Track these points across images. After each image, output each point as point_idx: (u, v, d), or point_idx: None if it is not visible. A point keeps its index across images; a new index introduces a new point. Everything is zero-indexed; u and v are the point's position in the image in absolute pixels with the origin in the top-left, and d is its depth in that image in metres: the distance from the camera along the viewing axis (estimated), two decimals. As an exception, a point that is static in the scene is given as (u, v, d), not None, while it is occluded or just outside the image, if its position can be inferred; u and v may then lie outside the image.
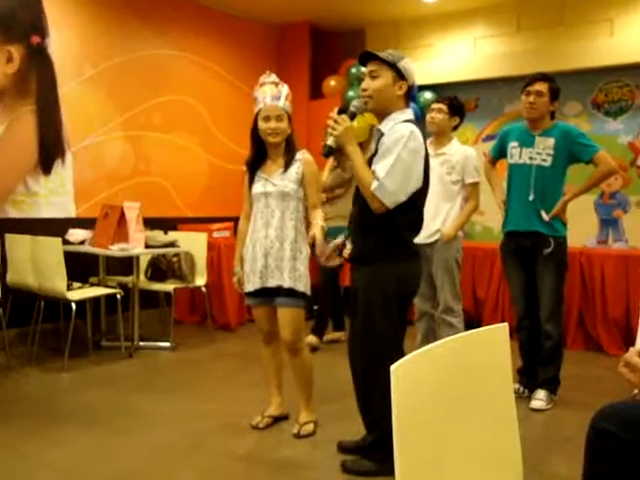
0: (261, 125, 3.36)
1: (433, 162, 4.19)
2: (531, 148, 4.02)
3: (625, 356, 1.54)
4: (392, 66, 2.91)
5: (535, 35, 6.65)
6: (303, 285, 3.35)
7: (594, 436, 1.69)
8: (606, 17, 6.25)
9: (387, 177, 2.78)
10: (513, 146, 4.13)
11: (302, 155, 3.41)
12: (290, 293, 3.33)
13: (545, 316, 4.03)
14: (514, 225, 4.11)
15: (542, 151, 3.98)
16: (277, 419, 3.66)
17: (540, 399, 4.02)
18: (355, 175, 2.93)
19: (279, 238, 3.34)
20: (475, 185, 4.45)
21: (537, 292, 4.06)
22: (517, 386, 4.18)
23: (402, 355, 2.79)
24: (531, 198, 3.99)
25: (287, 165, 3.37)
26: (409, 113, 2.96)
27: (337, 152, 3.04)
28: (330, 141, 2.92)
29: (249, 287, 3.45)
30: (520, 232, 4.07)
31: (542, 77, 4.05)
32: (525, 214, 4.03)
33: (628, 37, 6.13)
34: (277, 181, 3.36)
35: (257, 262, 3.37)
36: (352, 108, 2.96)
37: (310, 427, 3.52)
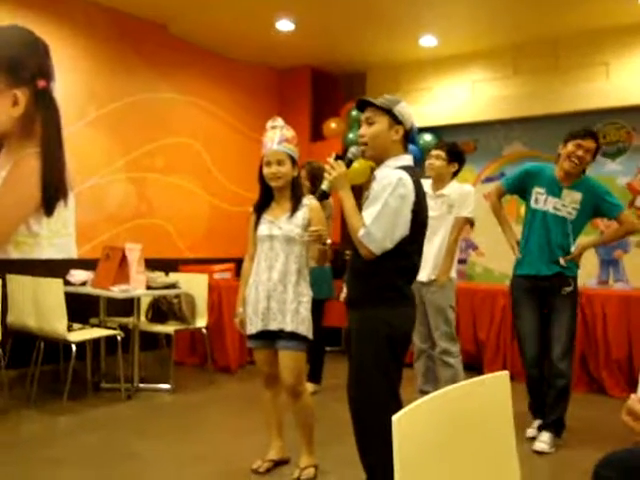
0: (264, 170, 3.40)
1: (433, 204, 4.25)
2: (557, 198, 4.09)
3: (627, 404, 1.54)
4: (388, 112, 2.94)
5: (532, 78, 6.75)
6: (305, 329, 3.35)
7: (597, 483, 1.68)
8: (602, 61, 6.36)
9: (373, 224, 2.79)
10: (539, 192, 4.16)
11: (309, 201, 3.43)
12: (292, 337, 3.33)
13: (560, 354, 4.03)
14: (534, 270, 4.13)
15: (568, 205, 4.08)
16: (278, 463, 3.62)
17: (544, 442, 3.99)
18: (346, 221, 2.95)
19: (282, 281, 3.35)
20: (465, 220, 4.48)
21: (550, 331, 4.09)
22: (539, 422, 4.17)
23: (397, 400, 2.79)
24: (557, 250, 4.07)
25: (294, 209, 3.40)
26: (406, 159, 2.96)
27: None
28: (325, 185, 2.98)
29: (251, 329, 3.45)
30: (539, 275, 4.12)
31: (594, 134, 4.10)
32: (546, 260, 4.09)
33: (624, 80, 6.23)
34: (283, 225, 3.38)
35: (259, 304, 3.38)
36: (349, 155, 3.00)
37: (311, 472, 3.48)
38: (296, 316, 3.33)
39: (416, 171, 2.98)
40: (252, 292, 3.43)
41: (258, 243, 3.47)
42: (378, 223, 2.79)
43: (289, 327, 3.32)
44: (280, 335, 3.35)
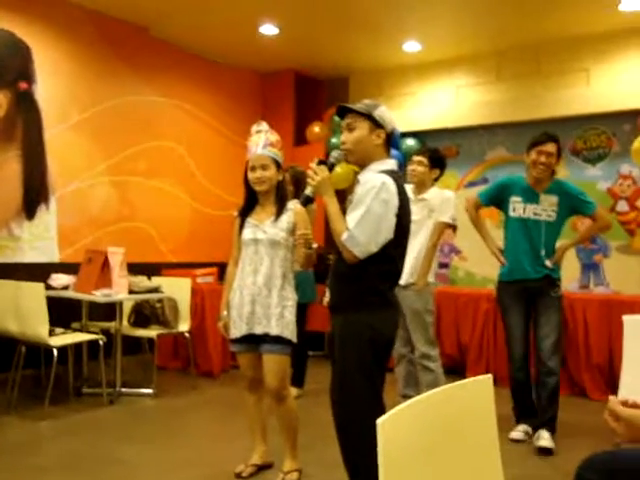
0: (248, 174, 3.41)
1: (414, 207, 4.27)
2: (535, 204, 4.27)
3: (609, 405, 1.56)
4: (368, 116, 2.95)
5: (514, 84, 6.81)
6: (290, 332, 3.35)
7: (579, 486, 1.69)
8: (582, 67, 6.43)
9: (357, 228, 2.79)
10: (516, 201, 4.32)
11: (294, 205, 3.44)
12: (277, 340, 3.33)
13: (550, 353, 4.16)
14: (522, 275, 4.27)
15: (547, 208, 4.25)
16: (261, 468, 3.61)
17: (547, 439, 4.08)
18: (330, 225, 2.95)
19: (267, 285, 3.35)
20: (444, 225, 4.52)
21: (538, 331, 4.22)
22: (525, 429, 4.27)
23: (380, 404, 2.79)
24: (542, 253, 4.23)
25: (278, 213, 3.40)
26: (390, 163, 2.97)
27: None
28: (308, 191, 2.98)
29: (235, 333, 3.44)
30: (528, 279, 4.25)
31: (552, 138, 4.25)
32: (533, 265, 4.24)
33: (604, 86, 6.30)
34: (268, 229, 3.38)
35: (244, 308, 3.37)
36: (331, 159, 3.00)
37: (294, 476, 3.47)
38: (281, 320, 3.32)
39: (400, 175, 2.99)
40: (236, 296, 3.43)
41: (242, 247, 3.47)
42: (361, 227, 2.80)
43: (274, 331, 3.32)
44: (264, 339, 3.35)
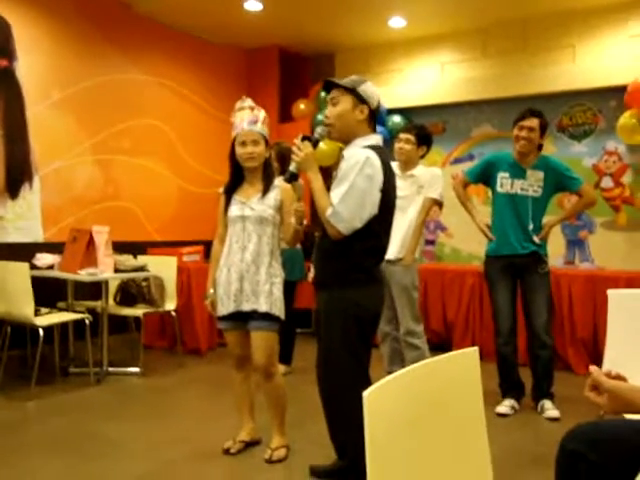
0: (238, 150, 3.38)
1: (403, 183, 4.28)
2: (522, 180, 4.33)
3: (592, 376, 1.56)
4: (352, 91, 2.93)
5: (500, 61, 6.78)
6: (278, 309, 3.36)
7: (564, 457, 1.71)
8: (568, 43, 6.41)
9: (341, 204, 2.80)
10: (503, 177, 4.38)
11: (281, 181, 3.43)
12: (265, 317, 3.33)
13: (543, 326, 4.29)
14: (510, 250, 4.34)
15: (534, 183, 4.32)
16: (249, 444, 3.63)
17: (552, 408, 4.25)
18: (314, 201, 2.95)
19: (255, 262, 3.34)
20: (433, 202, 4.53)
21: (530, 307, 4.33)
22: (511, 403, 4.34)
23: (366, 379, 2.80)
24: (531, 227, 4.30)
25: (265, 190, 3.39)
26: (374, 138, 2.96)
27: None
28: (292, 167, 2.99)
29: (222, 310, 3.43)
30: (515, 254, 4.32)
31: (533, 113, 4.31)
32: (521, 240, 4.31)
33: (590, 63, 6.29)
34: (255, 206, 3.37)
35: (232, 285, 3.36)
36: (316, 135, 3.00)
37: (282, 452, 3.49)
38: (269, 297, 3.33)
39: (385, 151, 2.98)
40: (223, 273, 3.42)
41: (229, 224, 3.46)
42: (345, 203, 2.79)
43: (263, 308, 3.32)
44: (253, 316, 3.35)
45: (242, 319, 3.39)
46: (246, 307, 3.35)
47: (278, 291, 3.37)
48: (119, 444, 3.73)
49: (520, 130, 4.28)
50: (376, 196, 2.81)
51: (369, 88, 2.96)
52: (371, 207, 2.81)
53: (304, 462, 3.35)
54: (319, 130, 3.00)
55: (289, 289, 4.32)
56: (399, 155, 4.54)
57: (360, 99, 2.93)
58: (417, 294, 4.56)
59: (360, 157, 2.80)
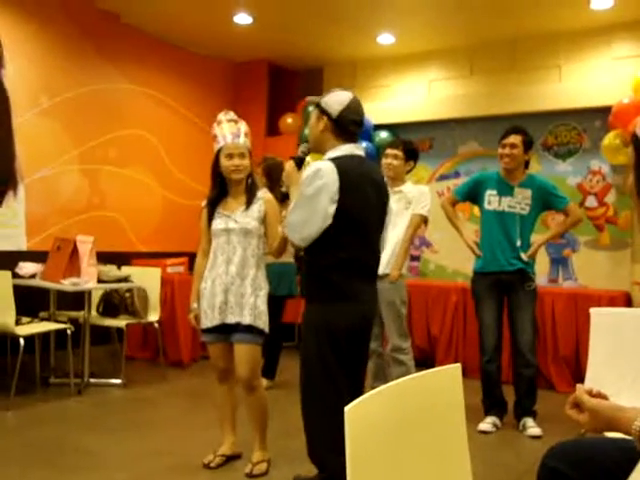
0: (224, 162, 3.38)
1: (390, 199, 4.28)
2: (510, 197, 4.37)
3: (574, 395, 1.57)
4: (317, 106, 2.97)
5: (488, 79, 6.85)
6: (262, 322, 3.36)
7: (544, 474, 1.71)
8: (555, 64, 6.49)
9: (291, 215, 2.85)
10: (491, 194, 4.42)
11: (264, 194, 3.45)
12: (249, 330, 3.32)
13: (527, 345, 4.30)
14: (497, 267, 4.36)
15: (521, 201, 4.36)
16: (230, 458, 3.61)
17: (534, 426, 4.26)
18: None
19: (240, 275, 3.34)
20: (419, 217, 4.54)
21: (515, 325, 4.33)
22: (493, 421, 4.35)
23: (340, 396, 2.78)
24: (518, 244, 4.32)
25: (249, 202, 3.40)
26: (343, 149, 2.91)
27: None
28: (284, 187, 3.09)
29: (206, 323, 3.42)
30: (503, 272, 4.34)
31: (515, 130, 4.37)
32: (509, 257, 4.33)
33: (575, 83, 6.36)
34: (239, 218, 3.37)
35: (216, 298, 3.36)
36: (300, 153, 3.07)
37: (263, 466, 3.47)
38: (253, 310, 3.33)
39: (358, 159, 2.94)
40: (208, 286, 3.41)
41: (213, 237, 3.45)
42: (294, 214, 2.84)
43: (246, 320, 3.31)
44: (236, 328, 3.34)
45: (226, 331, 3.38)
46: (230, 320, 3.34)
47: (262, 304, 3.37)
48: (98, 456, 3.69)
49: (503, 148, 4.34)
50: (326, 206, 2.77)
51: (331, 98, 2.95)
52: (322, 218, 2.78)
53: (285, 476, 3.33)
54: (302, 148, 3.10)
55: (277, 304, 4.32)
56: (387, 171, 4.52)
57: (321, 110, 2.95)
58: (405, 310, 4.56)
59: (311, 169, 2.83)
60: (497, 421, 4.36)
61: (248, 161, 3.41)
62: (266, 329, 3.38)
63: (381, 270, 4.36)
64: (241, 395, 3.49)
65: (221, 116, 3.47)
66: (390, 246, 4.40)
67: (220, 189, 3.48)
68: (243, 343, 3.35)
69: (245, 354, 3.36)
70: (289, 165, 3.04)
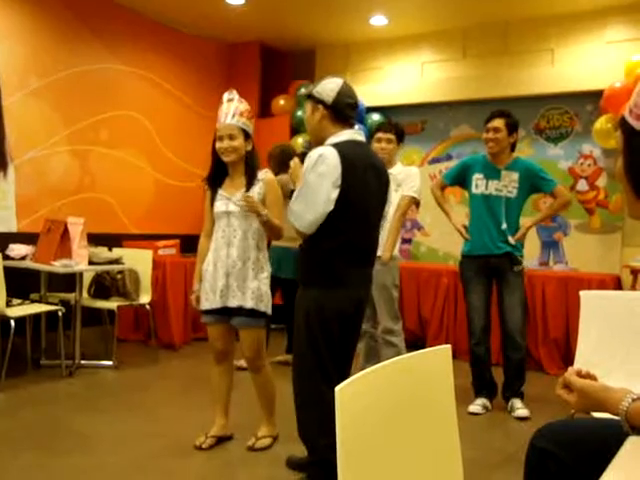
0: (217, 144, 3.37)
1: None
2: (497, 181, 4.37)
3: (564, 375, 1.58)
4: (309, 97, 2.98)
5: (480, 62, 6.82)
6: (264, 305, 3.37)
7: (533, 455, 1.73)
8: (547, 47, 6.47)
9: (295, 202, 2.86)
10: (478, 178, 4.43)
11: (264, 175, 3.43)
12: (251, 313, 3.34)
13: (516, 328, 4.33)
14: (484, 250, 4.37)
15: (508, 184, 4.36)
16: (221, 439, 3.62)
17: (521, 407, 4.29)
18: None
19: (241, 257, 3.34)
20: (409, 198, 4.53)
21: (504, 308, 4.36)
22: (483, 403, 4.38)
23: (329, 378, 2.80)
24: (504, 227, 4.33)
25: (249, 185, 3.37)
26: (345, 134, 2.93)
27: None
28: (291, 185, 3.26)
29: (206, 305, 3.43)
30: (490, 255, 4.35)
31: (499, 114, 4.36)
32: (496, 240, 4.34)
33: (568, 67, 6.35)
34: (239, 201, 3.33)
35: (218, 282, 3.36)
36: (303, 148, 3.09)
37: (266, 441, 3.55)
38: (256, 293, 3.34)
39: (358, 144, 2.95)
40: (210, 268, 3.42)
41: (215, 219, 3.45)
42: (298, 201, 2.85)
43: (249, 304, 3.33)
44: (239, 312, 3.36)
45: (227, 314, 3.40)
46: (232, 303, 3.36)
47: (265, 286, 3.38)
48: (90, 438, 3.70)
49: (487, 132, 4.36)
50: (330, 192, 2.78)
51: (323, 86, 2.96)
52: (325, 203, 2.79)
53: (273, 460, 3.36)
54: (303, 143, 3.12)
55: (274, 284, 4.32)
56: (382, 155, 4.40)
57: (315, 100, 2.95)
58: (397, 293, 4.57)
59: (314, 156, 2.82)
60: (487, 403, 4.40)
61: (240, 142, 3.34)
62: (269, 311, 3.40)
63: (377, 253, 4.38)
64: (237, 377, 3.52)
65: (224, 96, 3.46)
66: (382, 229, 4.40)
67: (219, 170, 3.45)
68: (246, 327, 3.39)
69: (248, 337, 3.40)
70: (294, 162, 3.10)
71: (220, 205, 3.40)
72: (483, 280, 4.40)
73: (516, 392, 4.37)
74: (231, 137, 3.33)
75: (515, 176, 4.35)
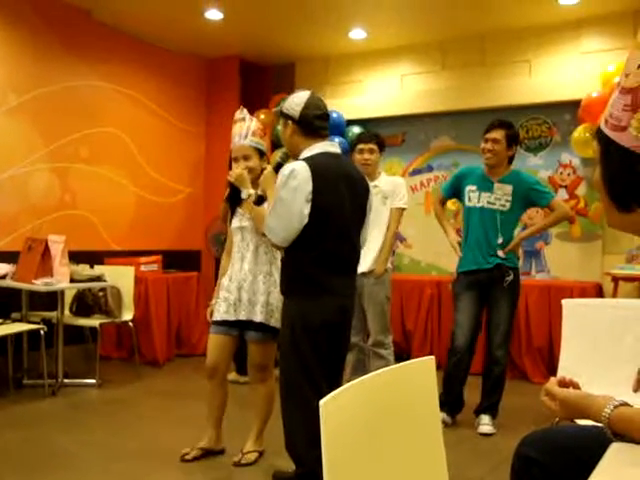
0: (232, 166, 3.44)
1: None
2: (489, 193, 4.24)
3: (546, 385, 1.60)
4: (280, 114, 3.03)
5: (459, 74, 6.89)
6: (275, 320, 3.37)
7: (518, 463, 1.74)
8: (524, 58, 6.55)
9: (269, 218, 2.89)
10: (471, 190, 4.31)
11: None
12: (261, 327, 3.35)
13: (498, 342, 4.21)
14: (474, 265, 4.27)
15: (501, 197, 4.22)
16: (208, 453, 3.60)
17: (488, 424, 4.18)
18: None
19: (252, 271, 3.38)
20: (400, 211, 4.54)
21: (489, 320, 4.26)
22: (442, 417, 4.24)
23: (318, 390, 2.80)
24: (500, 241, 4.20)
25: (260, 200, 3.38)
26: (317, 146, 2.95)
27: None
28: (259, 190, 3.22)
29: (216, 315, 3.47)
30: (481, 269, 4.25)
31: (499, 124, 4.23)
32: (486, 255, 4.22)
33: (545, 77, 6.43)
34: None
35: (231, 295, 3.40)
36: (278, 159, 3.13)
37: (252, 456, 3.53)
38: (266, 307, 3.36)
39: (331, 155, 2.97)
40: (225, 282, 3.48)
41: (232, 235, 3.53)
42: (272, 216, 2.88)
43: (258, 318, 3.35)
44: (248, 326, 3.39)
45: (238, 327, 3.43)
46: (242, 316, 3.38)
47: (275, 301, 3.37)
48: (74, 457, 3.66)
49: (485, 142, 4.22)
50: (303, 207, 2.82)
51: (290, 102, 3.01)
52: (299, 218, 2.82)
53: (259, 475, 3.34)
54: (280, 154, 3.16)
55: None
56: (365, 167, 4.36)
57: (285, 116, 2.99)
58: (389, 305, 4.58)
59: (285, 171, 2.87)
60: (447, 418, 4.25)
61: (254, 161, 3.42)
62: (279, 325, 3.38)
63: (366, 267, 4.37)
64: (232, 392, 3.56)
65: (236, 115, 3.50)
66: (371, 243, 4.39)
67: (237, 190, 3.44)
68: (255, 342, 3.42)
69: (258, 352, 3.45)
70: (267, 170, 3.14)
71: (235, 221, 3.48)
72: (472, 296, 4.26)
73: (487, 407, 4.24)
74: (246, 158, 3.40)
75: (509, 189, 4.21)
